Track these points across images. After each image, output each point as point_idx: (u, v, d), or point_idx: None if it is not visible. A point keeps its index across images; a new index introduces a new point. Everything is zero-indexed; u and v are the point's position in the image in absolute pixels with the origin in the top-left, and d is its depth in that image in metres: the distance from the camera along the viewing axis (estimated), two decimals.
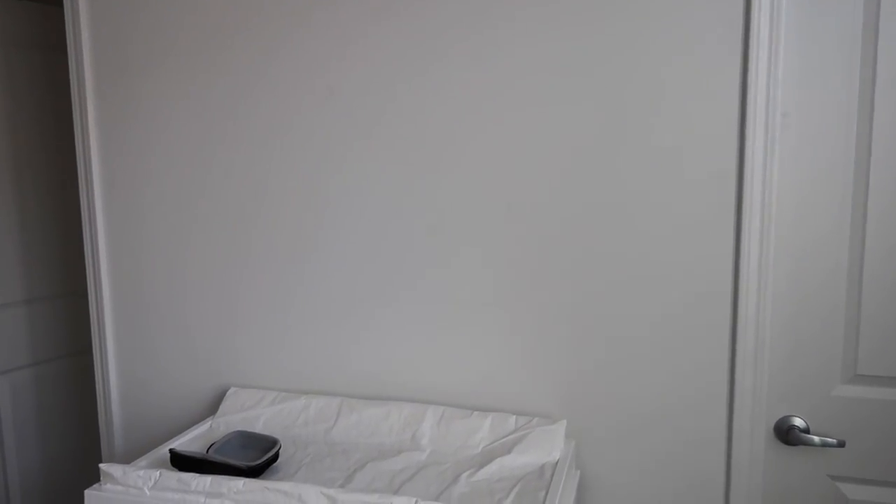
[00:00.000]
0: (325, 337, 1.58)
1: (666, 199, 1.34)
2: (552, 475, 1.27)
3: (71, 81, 1.68)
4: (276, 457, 1.33)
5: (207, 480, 1.17)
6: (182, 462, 1.28)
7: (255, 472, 1.26)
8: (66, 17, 1.65)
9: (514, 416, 1.42)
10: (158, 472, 1.19)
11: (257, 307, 1.62)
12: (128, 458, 1.78)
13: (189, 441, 1.45)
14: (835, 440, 1.32)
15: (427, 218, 1.47)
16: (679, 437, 1.39)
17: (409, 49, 1.44)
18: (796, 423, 1.36)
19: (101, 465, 1.22)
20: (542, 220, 1.40)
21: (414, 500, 1.07)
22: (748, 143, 1.28)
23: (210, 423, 1.55)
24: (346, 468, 1.33)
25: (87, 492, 1.21)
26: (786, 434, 1.36)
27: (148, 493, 1.18)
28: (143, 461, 1.34)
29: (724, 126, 1.29)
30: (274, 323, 1.62)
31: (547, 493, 1.20)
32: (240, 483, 1.15)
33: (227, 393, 1.61)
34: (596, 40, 1.33)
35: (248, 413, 1.54)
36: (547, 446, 1.35)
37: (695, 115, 1.30)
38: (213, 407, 1.69)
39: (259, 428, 1.51)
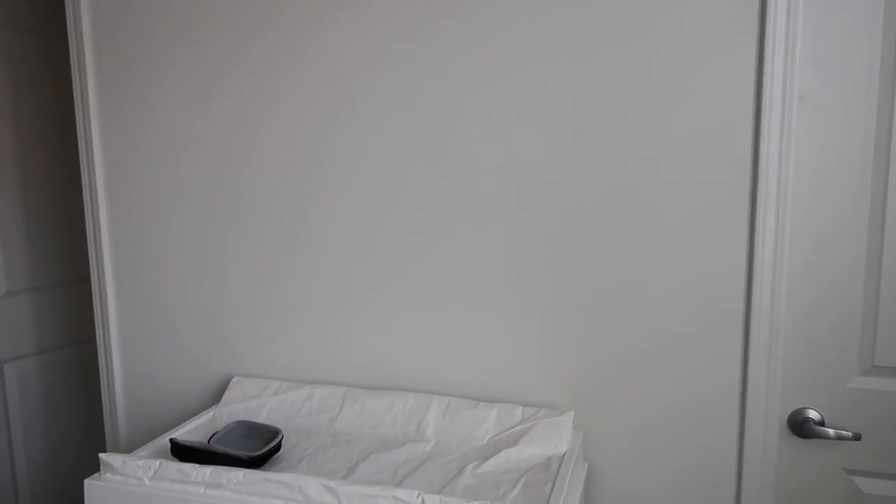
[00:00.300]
0: (329, 325, 1.56)
1: (678, 187, 1.30)
2: (559, 468, 1.24)
3: (72, 69, 1.66)
4: (278, 447, 1.31)
5: (207, 471, 1.15)
6: (183, 452, 1.26)
7: (256, 462, 1.24)
8: (65, 3, 1.62)
9: (521, 407, 1.39)
10: (158, 463, 1.17)
11: (262, 295, 1.60)
12: (132, 446, 1.77)
13: (191, 430, 1.44)
14: (850, 433, 1.29)
15: (431, 202, 1.44)
16: (690, 429, 1.36)
17: (406, 25, 1.40)
18: (811, 416, 1.33)
19: (100, 455, 1.21)
20: (551, 208, 1.37)
21: (417, 493, 1.05)
22: (763, 128, 1.24)
23: (213, 412, 1.53)
24: (349, 459, 1.31)
25: (86, 482, 1.20)
26: (800, 427, 1.33)
27: (147, 483, 1.16)
28: (144, 450, 1.33)
29: (738, 110, 1.25)
30: (278, 311, 1.59)
31: (553, 486, 1.17)
32: (240, 474, 1.13)
33: (231, 382, 1.59)
34: (607, 18, 1.29)
35: (251, 402, 1.52)
36: (554, 438, 1.32)
37: (709, 99, 1.26)
38: (216, 396, 1.68)
39: (262, 417, 1.50)
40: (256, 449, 1.29)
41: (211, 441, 1.31)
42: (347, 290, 1.53)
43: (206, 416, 1.51)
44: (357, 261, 1.51)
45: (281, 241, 1.56)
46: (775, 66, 1.22)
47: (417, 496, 1.04)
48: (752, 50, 1.23)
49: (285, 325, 1.59)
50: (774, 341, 1.30)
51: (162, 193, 1.64)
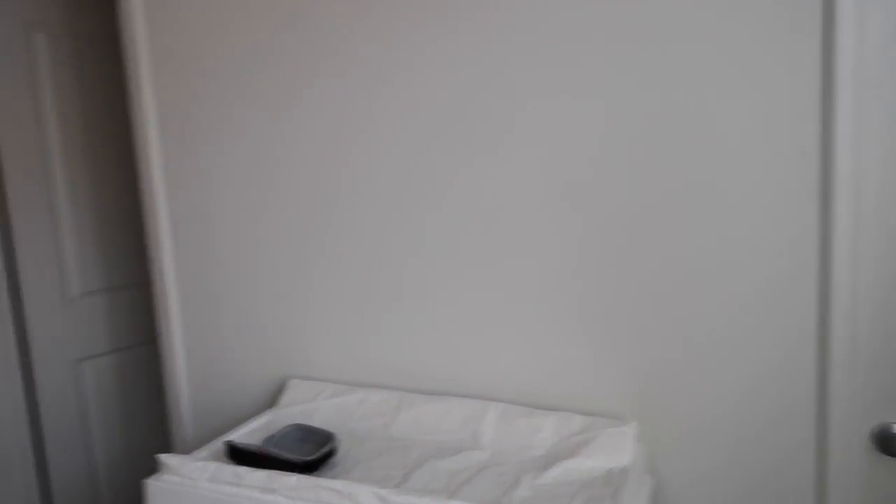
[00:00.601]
0: (385, 329, 1.54)
1: (743, 179, 1.22)
2: (621, 481, 1.18)
3: (128, 72, 1.70)
4: (332, 452, 1.30)
5: (261, 475, 1.15)
6: (239, 455, 1.27)
7: (310, 467, 1.24)
8: (119, 8, 1.67)
9: (581, 416, 1.34)
10: (214, 465, 1.18)
11: (319, 298, 1.60)
12: (197, 445, 1.81)
13: (249, 432, 1.45)
14: None
15: (480, 201, 1.40)
16: (764, 443, 1.27)
17: (450, 15, 1.36)
18: None
19: (159, 456, 1.23)
20: (610, 203, 1.31)
21: None
22: (836, 118, 1.14)
23: (270, 414, 1.54)
24: (403, 466, 1.29)
25: (146, 482, 1.22)
26: (886, 443, 1.22)
27: (203, 485, 1.17)
28: (203, 451, 1.34)
29: (805, 98, 1.16)
30: (334, 314, 1.59)
31: (615, 501, 1.12)
32: (293, 479, 1.12)
33: (288, 384, 1.60)
34: (663, 5, 1.22)
35: (307, 405, 1.53)
36: (616, 450, 1.26)
37: (773, 87, 1.17)
38: (275, 398, 1.69)
39: (317, 421, 1.49)
40: (311, 453, 1.29)
41: (267, 444, 1.32)
42: (401, 293, 1.51)
43: (263, 419, 1.52)
44: (414, 264, 1.49)
45: (340, 243, 1.56)
46: (845, 50, 1.12)
47: None
48: (815, 35, 1.14)
49: (341, 327, 1.59)
50: (855, 345, 1.20)
51: (224, 195, 1.66)
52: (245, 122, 1.60)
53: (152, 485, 1.22)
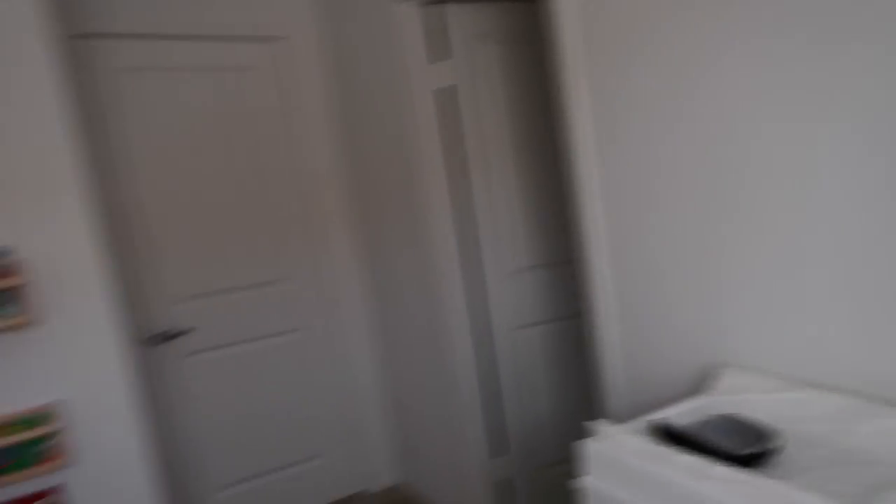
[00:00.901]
0: (839, 319, 1.33)
1: None
2: None
3: (560, 69, 1.81)
4: (772, 451, 1.19)
5: (693, 460, 1.11)
6: (667, 435, 1.26)
7: (744, 461, 1.15)
8: (551, 13, 1.79)
9: None
10: (643, 440, 1.19)
11: (764, 280, 1.47)
12: (622, 418, 1.87)
13: (676, 414, 1.42)
14: None
15: None
16: None
17: None
18: None
19: (597, 423, 1.30)
20: None
21: None
22: None
23: (700, 399, 1.48)
24: (863, 484, 1.09)
25: (581, 442, 1.31)
26: None
27: (633, 457, 1.20)
28: (630, 425, 1.37)
29: None
30: (781, 299, 1.44)
31: None
32: (727, 471, 1.06)
33: (721, 372, 1.52)
34: None
35: (740, 397, 1.42)
36: None
37: None
38: (704, 383, 1.63)
39: (752, 415, 1.38)
40: (742, 447, 1.20)
41: (694, 429, 1.27)
42: (864, 279, 1.28)
43: (692, 403, 1.46)
44: (877, 236, 1.25)
45: (789, 221, 1.40)
46: None
47: None
48: None
49: (789, 315, 1.43)
50: None
51: (644, 181, 1.66)
52: (672, 108, 1.56)
53: (589, 447, 1.29)
